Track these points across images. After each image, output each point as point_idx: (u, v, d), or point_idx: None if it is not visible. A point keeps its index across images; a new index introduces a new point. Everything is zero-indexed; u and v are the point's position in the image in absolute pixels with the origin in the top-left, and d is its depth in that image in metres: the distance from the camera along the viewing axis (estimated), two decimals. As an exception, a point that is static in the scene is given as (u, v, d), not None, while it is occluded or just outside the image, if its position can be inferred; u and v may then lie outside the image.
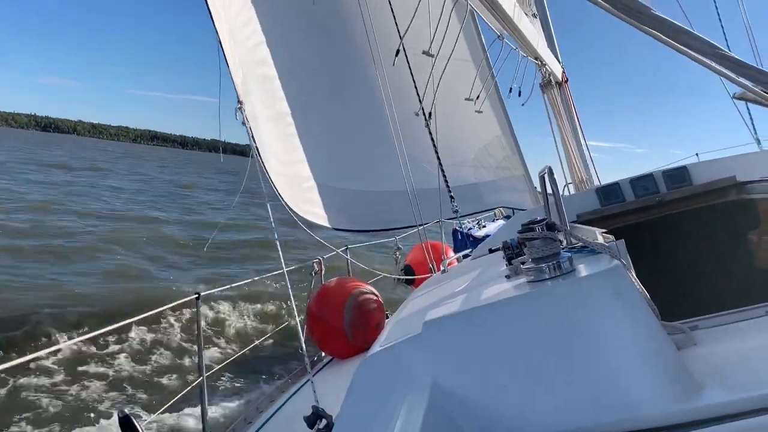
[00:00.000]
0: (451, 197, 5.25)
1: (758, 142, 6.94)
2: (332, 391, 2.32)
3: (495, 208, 10.59)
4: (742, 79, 1.54)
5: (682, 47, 1.37)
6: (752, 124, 7.08)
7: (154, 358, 8.89)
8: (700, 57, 1.38)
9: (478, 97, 6.68)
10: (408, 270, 7.42)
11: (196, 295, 4.17)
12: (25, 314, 10.26)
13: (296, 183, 5.23)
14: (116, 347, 8.86)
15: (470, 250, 4.97)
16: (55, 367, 7.81)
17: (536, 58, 6.74)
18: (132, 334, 9.19)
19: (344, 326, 4.46)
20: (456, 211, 5.34)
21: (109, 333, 3.52)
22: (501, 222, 11.82)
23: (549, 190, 2.23)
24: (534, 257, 1.81)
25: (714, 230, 4.19)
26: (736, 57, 1.39)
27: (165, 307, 4.12)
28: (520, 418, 1.44)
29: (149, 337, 9.48)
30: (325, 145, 6.00)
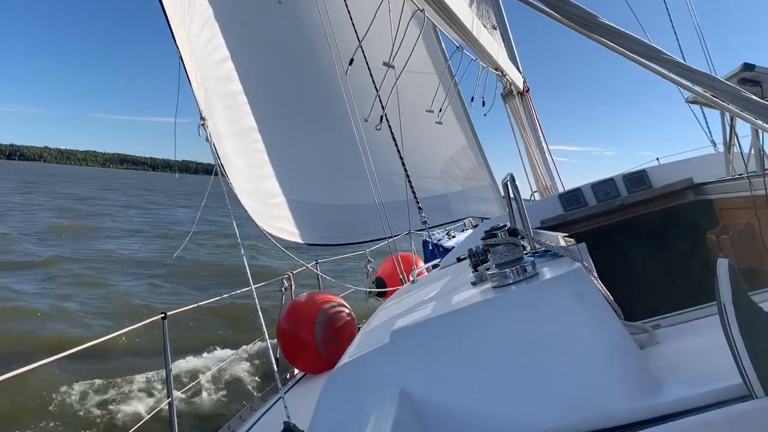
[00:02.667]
0: (419, 208, 5.28)
1: (713, 144, 7.16)
2: (305, 407, 2.30)
3: (464, 218, 10.67)
4: (691, 84, 1.59)
5: (630, 53, 1.41)
6: (707, 126, 7.32)
7: (120, 380, 8.65)
8: (647, 62, 1.43)
9: (440, 110, 6.74)
10: (379, 282, 7.41)
11: (163, 315, 4.09)
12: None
13: (264, 199, 5.19)
14: (80, 370, 8.62)
15: (440, 260, 5.01)
16: (17, 392, 7.56)
17: (497, 69, 6.84)
18: (97, 356, 8.95)
19: (316, 341, 4.42)
20: (425, 222, 5.36)
21: (72, 355, 3.40)
22: (470, 232, 11.91)
23: (511, 196, 2.27)
24: (498, 263, 1.83)
25: (673, 231, 4.30)
26: (682, 62, 1.44)
27: (130, 328, 4.02)
28: (488, 422, 1.45)
29: (115, 358, 9.25)
30: (292, 160, 5.98)
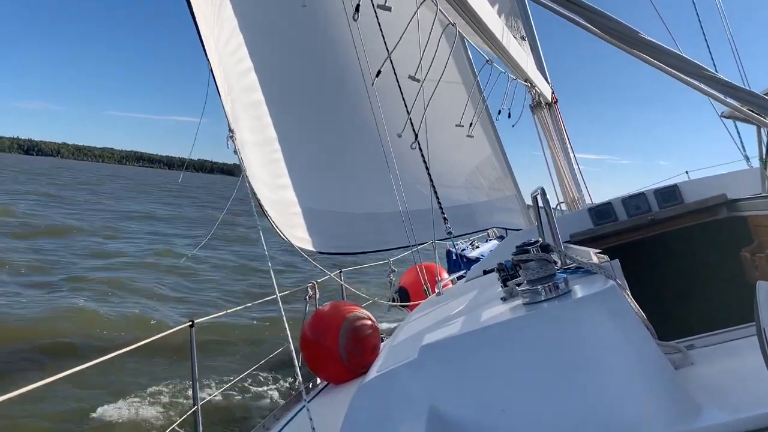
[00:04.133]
0: (444, 218, 5.25)
1: (747, 159, 7.01)
2: (329, 417, 2.30)
3: (488, 229, 10.61)
4: (729, 100, 1.56)
5: (671, 70, 1.39)
6: (741, 141, 7.18)
7: (147, 387, 8.75)
8: (688, 79, 1.40)
9: (471, 125, 6.73)
10: (402, 292, 7.38)
11: (190, 323, 4.13)
12: (10, 346, 10.17)
13: (284, 208, 5.22)
14: (107, 376, 8.73)
15: (464, 271, 4.98)
16: (44, 399, 7.67)
17: (526, 80, 6.81)
18: (124, 364, 9.07)
19: (339, 351, 4.41)
20: (449, 233, 5.33)
21: (101, 364, 3.45)
22: (494, 242, 11.85)
23: (543, 210, 2.24)
24: (529, 279, 1.81)
25: (707, 248, 4.21)
26: (724, 78, 1.41)
27: (158, 336, 4.07)
28: None
29: (142, 366, 9.35)
30: (314, 169, 6.01)
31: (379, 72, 4.72)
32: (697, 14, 8.21)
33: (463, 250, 11.53)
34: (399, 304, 7.16)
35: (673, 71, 1.37)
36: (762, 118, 1.64)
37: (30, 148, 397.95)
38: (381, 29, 4.53)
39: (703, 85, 1.49)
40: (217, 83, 3.70)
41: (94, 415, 7.83)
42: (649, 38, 1.30)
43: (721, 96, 1.52)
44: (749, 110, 1.68)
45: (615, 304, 1.54)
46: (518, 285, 1.97)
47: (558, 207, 7.83)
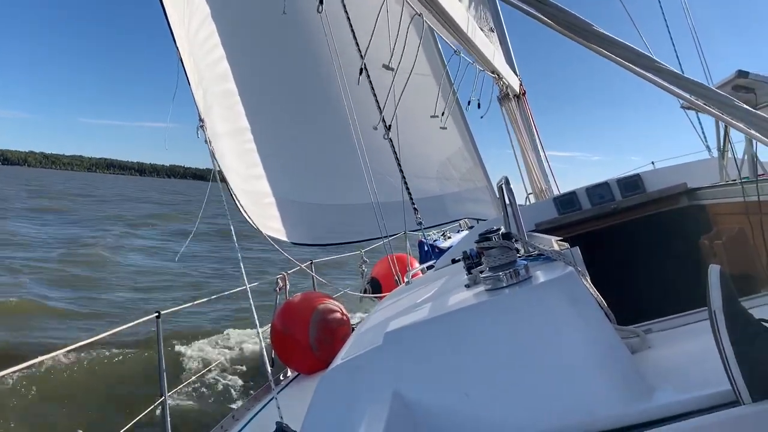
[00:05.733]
0: (415, 209, 5.28)
1: (708, 149, 7.16)
2: (297, 407, 2.31)
3: (460, 220, 10.69)
4: (685, 93, 1.61)
5: (624, 62, 1.43)
6: (702, 131, 7.32)
7: (113, 378, 8.64)
8: (641, 71, 1.45)
9: (443, 113, 6.76)
10: (374, 283, 7.41)
11: (157, 314, 4.09)
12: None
13: (258, 198, 5.20)
14: (74, 368, 8.59)
15: (435, 261, 5.02)
16: (7, 390, 7.53)
17: (493, 72, 6.84)
18: (91, 355, 8.94)
19: (310, 341, 4.42)
20: (420, 223, 5.37)
21: (66, 353, 3.40)
22: (465, 233, 11.93)
23: (506, 200, 2.28)
24: (491, 266, 1.85)
25: (667, 236, 4.32)
26: (677, 72, 1.46)
27: (124, 327, 4.02)
28: (480, 425, 1.46)
29: (108, 357, 9.22)
30: (287, 159, 5.99)
31: (361, 70, 4.71)
32: (662, 10, 8.34)
33: (435, 240, 11.59)
34: (371, 294, 7.19)
35: (627, 63, 1.42)
36: (713, 110, 1.69)
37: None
38: (349, 20, 4.53)
39: (656, 78, 1.53)
40: (187, 73, 3.66)
41: (54, 406, 7.71)
42: (602, 31, 1.34)
43: (674, 88, 1.57)
44: (704, 104, 1.73)
45: (573, 290, 1.58)
46: (481, 272, 2.01)
47: (527, 198, 7.91)
